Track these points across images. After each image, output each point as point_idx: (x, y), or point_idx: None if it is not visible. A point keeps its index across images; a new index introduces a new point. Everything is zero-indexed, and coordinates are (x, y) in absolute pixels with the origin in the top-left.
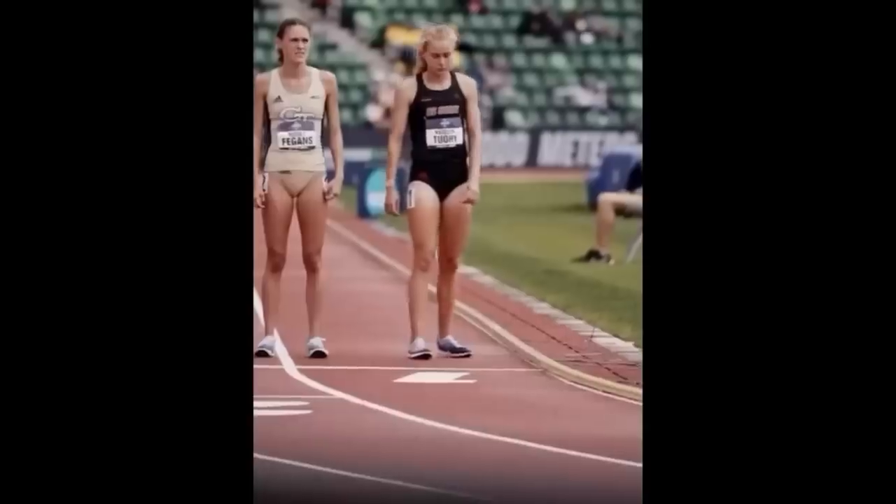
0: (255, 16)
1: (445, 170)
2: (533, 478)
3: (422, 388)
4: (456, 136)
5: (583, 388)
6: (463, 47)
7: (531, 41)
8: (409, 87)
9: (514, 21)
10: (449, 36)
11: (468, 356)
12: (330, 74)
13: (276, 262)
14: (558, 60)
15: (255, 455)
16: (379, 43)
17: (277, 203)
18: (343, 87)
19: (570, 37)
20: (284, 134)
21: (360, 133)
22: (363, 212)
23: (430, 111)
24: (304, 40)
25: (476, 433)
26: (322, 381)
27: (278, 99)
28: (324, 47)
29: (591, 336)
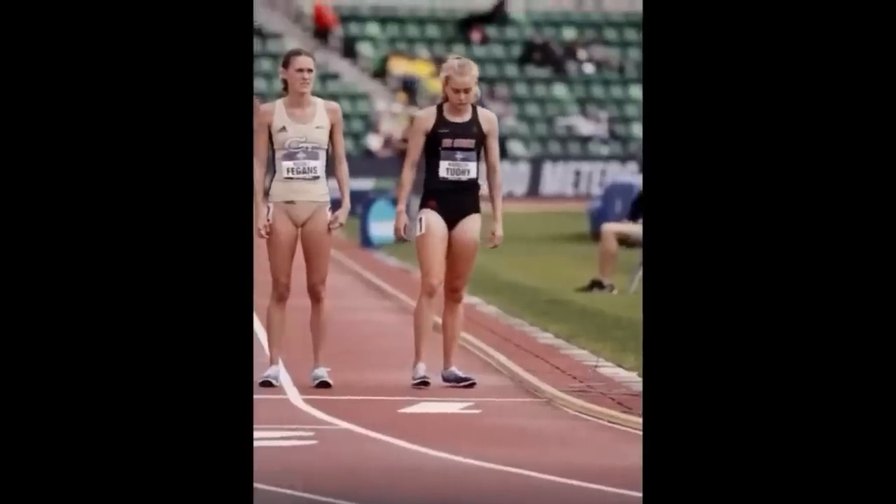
0: (257, 45)
1: (456, 200)
2: None
3: (426, 418)
4: (469, 169)
5: (587, 417)
6: None
7: (532, 71)
8: (427, 115)
9: (516, 51)
10: (471, 72)
11: (472, 385)
12: (335, 104)
13: (281, 292)
14: (560, 90)
15: (259, 486)
16: (381, 73)
17: (282, 233)
18: (345, 117)
19: (571, 66)
20: (289, 164)
21: (362, 162)
22: (366, 241)
23: (446, 142)
24: (309, 70)
25: (480, 463)
26: (326, 411)
27: (283, 129)
28: (325, 77)
29: (595, 366)
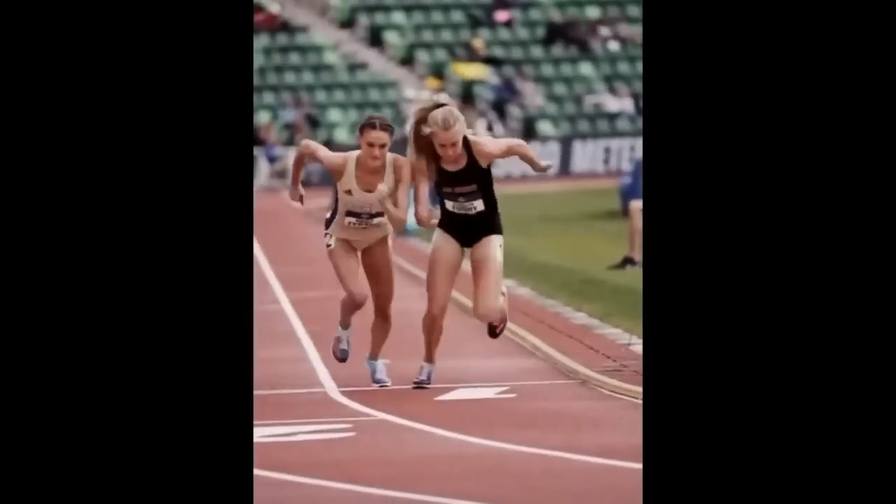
0: (285, 39)
1: (468, 228)
2: (577, 490)
3: (462, 404)
4: (475, 206)
5: (622, 397)
6: (491, 60)
7: (558, 51)
8: (426, 167)
9: (541, 32)
10: (454, 126)
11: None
12: (402, 161)
13: (357, 303)
14: (586, 68)
15: (299, 478)
16: (408, 60)
17: (342, 253)
18: (374, 106)
19: (596, 45)
20: (350, 219)
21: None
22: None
23: (447, 190)
24: (382, 146)
25: (518, 447)
26: (364, 403)
27: (349, 192)
28: (353, 67)
29: (629, 344)
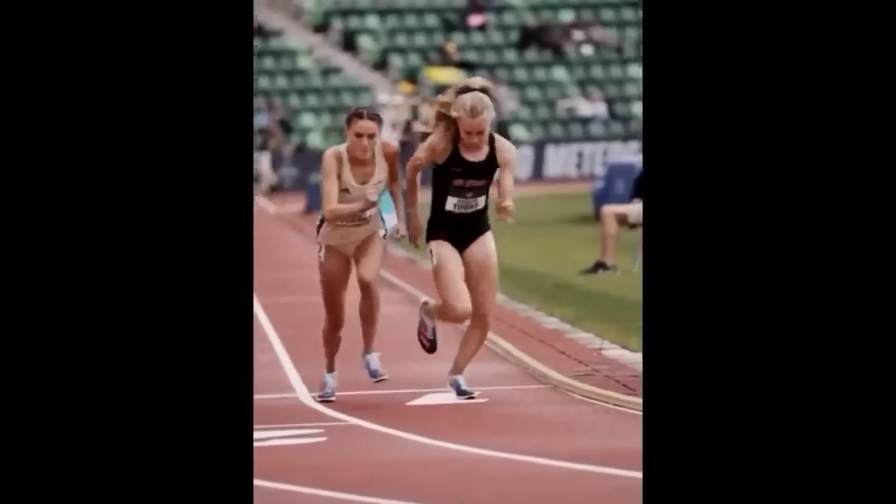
0: (258, 43)
1: (463, 229)
2: (548, 495)
3: (434, 409)
4: (478, 203)
5: (593, 401)
6: (465, 65)
7: (531, 55)
8: (444, 145)
9: (514, 36)
10: (482, 113)
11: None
12: (392, 146)
13: (336, 323)
14: (559, 73)
15: (271, 484)
16: (382, 65)
17: (332, 270)
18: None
19: (569, 49)
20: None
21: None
22: None
23: (458, 182)
24: (371, 136)
25: (490, 452)
26: (336, 408)
27: (346, 190)
28: (327, 71)
29: (600, 349)
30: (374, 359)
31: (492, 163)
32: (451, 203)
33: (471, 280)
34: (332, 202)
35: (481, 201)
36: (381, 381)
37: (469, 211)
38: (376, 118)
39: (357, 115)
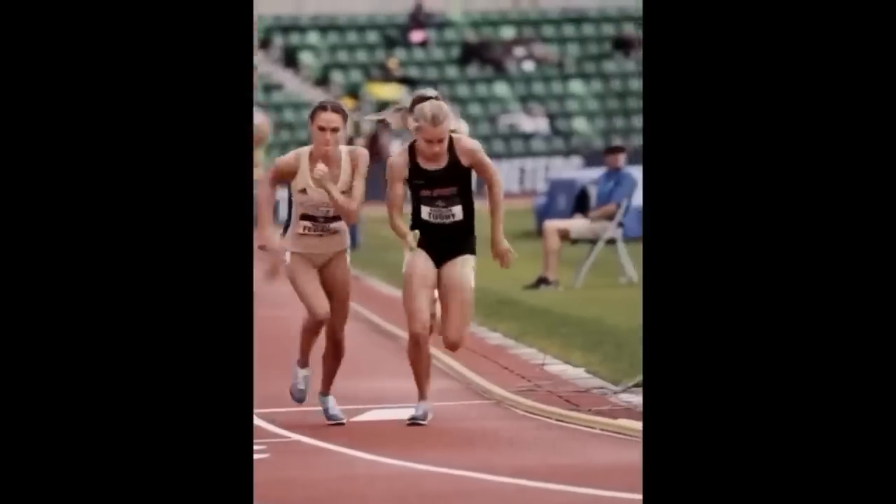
0: None
1: (443, 241)
2: None
3: (378, 425)
4: (454, 213)
5: (536, 417)
6: (406, 80)
7: (472, 71)
8: (401, 163)
9: (455, 52)
10: (444, 121)
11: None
12: (360, 151)
13: (318, 320)
14: (501, 89)
15: None
16: (323, 81)
17: (301, 269)
18: (290, 127)
19: (511, 65)
20: (306, 223)
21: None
22: None
23: (424, 193)
24: (334, 130)
25: (433, 468)
26: (278, 425)
27: (303, 191)
28: (269, 87)
29: (543, 364)
30: (332, 402)
31: (454, 169)
32: (425, 212)
33: (441, 300)
34: (264, 228)
35: (457, 211)
36: (338, 424)
37: (447, 221)
38: (340, 111)
39: (321, 107)
